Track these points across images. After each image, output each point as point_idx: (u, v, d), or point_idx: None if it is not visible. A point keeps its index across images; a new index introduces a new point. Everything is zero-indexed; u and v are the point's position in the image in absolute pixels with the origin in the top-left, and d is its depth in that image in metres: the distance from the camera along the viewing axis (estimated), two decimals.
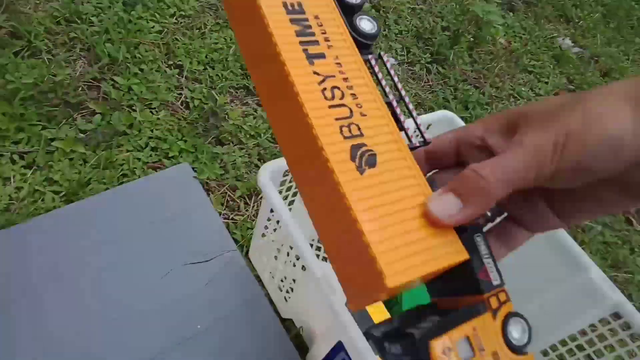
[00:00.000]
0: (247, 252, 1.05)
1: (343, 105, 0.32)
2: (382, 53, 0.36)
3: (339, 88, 0.33)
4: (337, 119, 0.31)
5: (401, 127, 0.33)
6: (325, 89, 0.32)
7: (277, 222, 0.86)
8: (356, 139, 0.31)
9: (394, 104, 0.34)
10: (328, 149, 0.29)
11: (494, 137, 0.30)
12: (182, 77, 1.33)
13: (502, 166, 0.27)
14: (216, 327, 0.90)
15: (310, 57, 0.32)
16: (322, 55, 0.33)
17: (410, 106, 0.35)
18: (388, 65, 0.36)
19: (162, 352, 0.85)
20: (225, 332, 0.90)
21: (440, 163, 0.33)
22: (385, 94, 0.35)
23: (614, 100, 0.26)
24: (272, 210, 0.85)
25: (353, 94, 0.33)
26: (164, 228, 1.00)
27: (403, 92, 0.36)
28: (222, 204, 1.12)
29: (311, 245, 1.06)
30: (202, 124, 1.23)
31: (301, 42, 0.32)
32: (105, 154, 1.09)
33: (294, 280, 0.90)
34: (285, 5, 0.33)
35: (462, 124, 1.11)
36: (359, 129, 0.31)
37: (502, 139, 0.29)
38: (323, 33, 0.34)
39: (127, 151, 1.13)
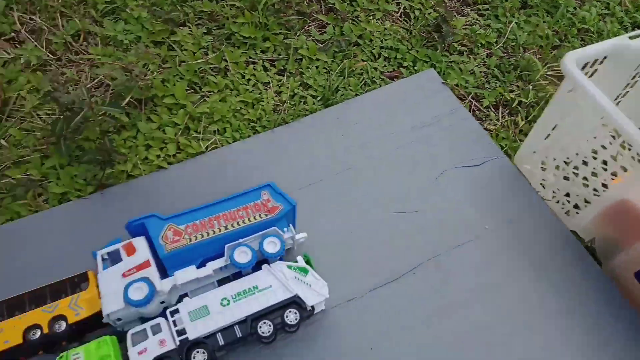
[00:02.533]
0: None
1: None
2: None
3: None
4: None
5: None
6: None
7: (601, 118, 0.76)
8: None
9: None
10: None
11: None
12: None
13: None
14: (502, 229, 0.85)
15: None
16: None
17: None
18: None
19: (450, 249, 0.82)
20: (512, 234, 0.85)
21: None
22: None
23: None
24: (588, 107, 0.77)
25: None
26: (425, 132, 0.96)
27: None
28: (470, 113, 1.05)
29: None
30: (431, 34, 1.16)
31: None
32: (347, 63, 1.06)
33: (586, 201, 0.83)
34: None
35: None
36: None
37: None
38: None
39: (363, 61, 1.10)
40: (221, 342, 0.67)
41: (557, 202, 0.88)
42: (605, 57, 0.81)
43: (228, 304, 0.69)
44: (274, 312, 0.69)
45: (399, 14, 1.21)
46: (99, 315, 0.69)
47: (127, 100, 0.89)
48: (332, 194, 0.88)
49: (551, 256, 0.84)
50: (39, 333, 0.67)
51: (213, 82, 0.99)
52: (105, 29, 1.04)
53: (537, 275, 0.82)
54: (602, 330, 0.77)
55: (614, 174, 0.77)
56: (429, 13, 1.19)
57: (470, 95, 1.07)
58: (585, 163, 0.81)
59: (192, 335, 0.66)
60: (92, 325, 0.70)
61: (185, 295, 0.72)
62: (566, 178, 0.84)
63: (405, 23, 1.19)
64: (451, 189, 0.89)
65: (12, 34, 1.04)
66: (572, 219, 0.86)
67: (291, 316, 0.69)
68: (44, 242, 0.79)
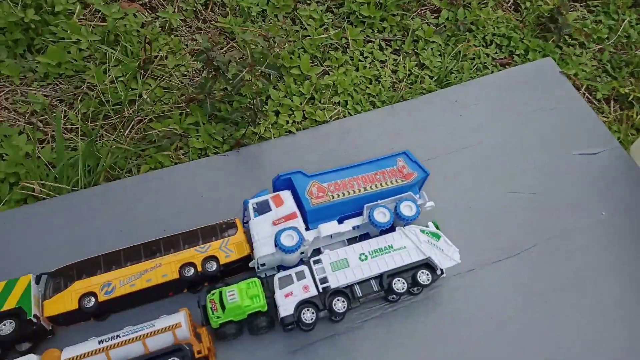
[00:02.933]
0: None
1: None
2: None
3: None
4: None
5: None
6: None
7: None
8: None
9: None
10: None
11: None
12: None
13: None
14: (618, 217, 0.87)
15: None
16: None
17: None
18: None
19: (567, 232, 0.84)
20: (626, 223, 0.86)
21: None
22: None
23: None
24: None
25: None
26: (543, 118, 0.98)
27: None
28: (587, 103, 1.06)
29: None
30: (543, 24, 1.17)
31: None
32: (462, 47, 1.09)
33: None
34: None
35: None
36: None
37: None
38: None
39: (475, 46, 1.12)
40: (359, 293, 0.72)
41: None
42: None
43: (366, 259, 0.73)
44: (406, 271, 0.73)
45: (508, 4, 1.23)
46: (246, 259, 0.75)
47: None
48: (448, 171, 0.91)
49: None
50: (192, 271, 0.73)
51: (334, 57, 1.04)
52: (234, 0, 1.09)
53: None
54: None
55: None
56: (540, 5, 1.20)
57: (583, 87, 1.08)
58: None
59: (333, 283, 0.71)
60: (235, 269, 0.77)
61: (318, 250, 0.77)
62: None
63: (515, 13, 1.21)
64: (568, 174, 0.91)
65: (146, 0, 1.12)
66: None
67: (423, 277, 0.73)
68: (185, 190, 0.85)
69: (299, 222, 0.74)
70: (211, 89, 0.85)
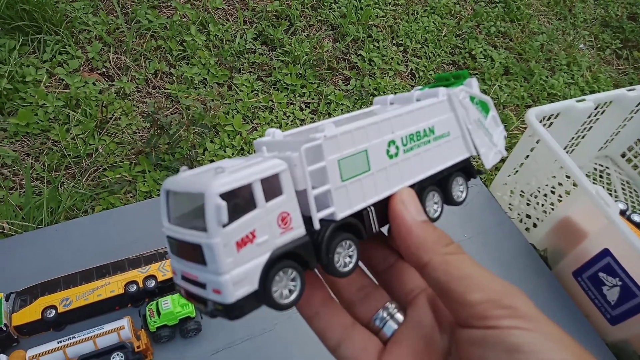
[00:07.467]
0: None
1: None
2: None
3: None
4: None
5: None
6: None
7: (555, 161, 1.03)
8: None
9: None
10: None
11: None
12: (407, 53, 1.58)
13: None
14: (477, 238, 1.11)
15: None
16: None
17: None
18: None
19: None
20: (484, 242, 1.11)
21: None
22: None
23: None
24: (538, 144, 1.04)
25: None
26: None
27: None
28: None
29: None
30: None
31: None
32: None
33: (537, 219, 1.10)
34: None
35: None
36: None
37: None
38: None
39: None
40: (374, 224, 0.33)
41: (520, 220, 1.15)
42: (558, 114, 1.10)
43: (396, 155, 0.34)
44: (438, 180, 0.38)
45: (406, 74, 1.52)
46: None
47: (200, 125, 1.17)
48: None
49: (514, 261, 1.09)
50: (135, 287, 0.92)
51: (262, 117, 1.28)
52: (178, 70, 1.34)
53: (503, 275, 1.07)
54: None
55: (560, 198, 1.04)
56: (430, 74, 1.50)
57: None
58: (539, 190, 1.09)
59: (342, 209, 0.30)
60: (171, 286, 0.95)
61: None
62: (528, 203, 1.12)
63: (411, 80, 1.50)
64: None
65: (104, 69, 1.34)
66: (530, 234, 1.13)
67: (457, 189, 0.40)
68: (133, 226, 1.05)
69: None
70: (156, 144, 1.06)
